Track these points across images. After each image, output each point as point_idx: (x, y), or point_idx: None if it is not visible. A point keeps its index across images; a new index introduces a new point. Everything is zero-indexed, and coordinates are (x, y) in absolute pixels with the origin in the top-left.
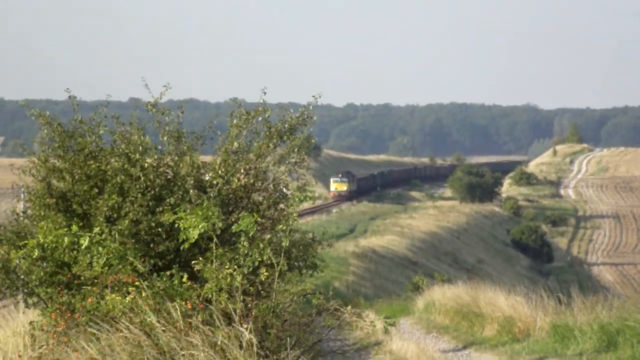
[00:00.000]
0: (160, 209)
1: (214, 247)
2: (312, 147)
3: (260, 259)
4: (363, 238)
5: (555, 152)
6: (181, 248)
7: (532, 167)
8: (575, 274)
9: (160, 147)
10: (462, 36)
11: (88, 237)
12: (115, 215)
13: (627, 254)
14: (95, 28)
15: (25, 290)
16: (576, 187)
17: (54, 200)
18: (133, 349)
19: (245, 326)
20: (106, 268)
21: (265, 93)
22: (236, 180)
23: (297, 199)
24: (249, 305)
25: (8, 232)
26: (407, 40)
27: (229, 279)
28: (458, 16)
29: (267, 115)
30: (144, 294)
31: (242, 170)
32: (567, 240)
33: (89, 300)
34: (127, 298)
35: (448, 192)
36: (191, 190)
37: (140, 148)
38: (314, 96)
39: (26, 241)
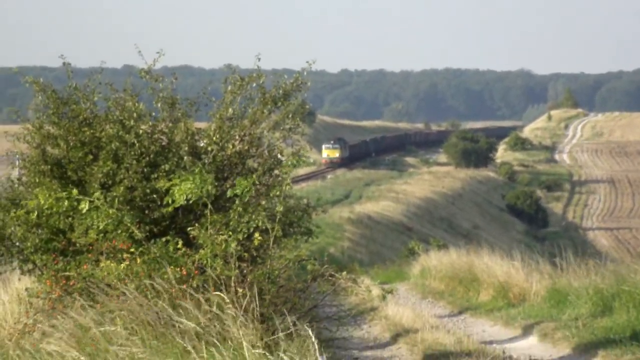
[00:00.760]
0: (155, 175)
1: (208, 214)
2: (307, 113)
3: (255, 225)
4: (358, 204)
5: (549, 117)
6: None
7: (526, 132)
8: (570, 239)
9: (154, 113)
10: (456, 1)
11: (88, 202)
12: (110, 182)
13: (622, 218)
14: None
15: (21, 257)
16: (571, 152)
17: (49, 167)
18: (128, 314)
19: (240, 291)
20: (101, 235)
21: (259, 59)
22: (231, 147)
23: (290, 164)
24: (244, 271)
25: (3, 199)
26: (401, 6)
27: (223, 245)
28: None
29: (261, 82)
30: (139, 260)
31: (236, 137)
32: (562, 205)
33: (84, 267)
34: (122, 264)
35: (443, 158)
36: (185, 157)
37: (135, 115)
38: (307, 62)
39: (26, 201)
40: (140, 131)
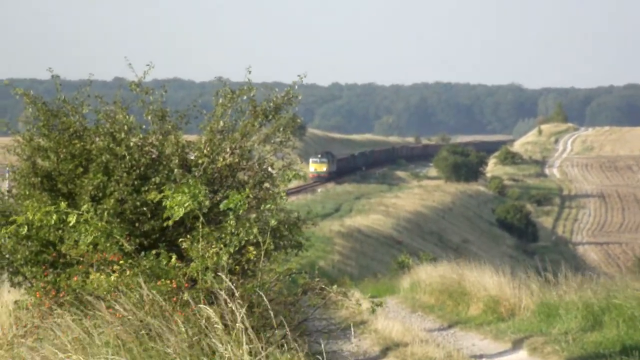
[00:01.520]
0: (146, 188)
1: (200, 226)
2: (298, 127)
3: (246, 238)
4: (348, 217)
5: (540, 132)
6: (165, 225)
7: (517, 146)
8: (560, 254)
9: (145, 126)
10: (446, 15)
11: (76, 215)
12: (100, 195)
13: (612, 233)
14: (78, 7)
15: (10, 270)
16: (561, 167)
17: (39, 179)
18: (118, 327)
19: (230, 305)
20: (91, 247)
21: (250, 72)
22: (221, 160)
23: (286, 177)
24: (235, 284)
25: None
26: (391, 20)
27: (215, 258)
28: None
29: (252, 95)
30: (129, 273)
31: (227, 150)
32: (552, 220)
33: (74, 279)
34: (112, 277)
35: (433, 172)
36: (176, 170)
37: (125, 127)
38: (299, 75)
39: (14, 217)
40: (131, 144)
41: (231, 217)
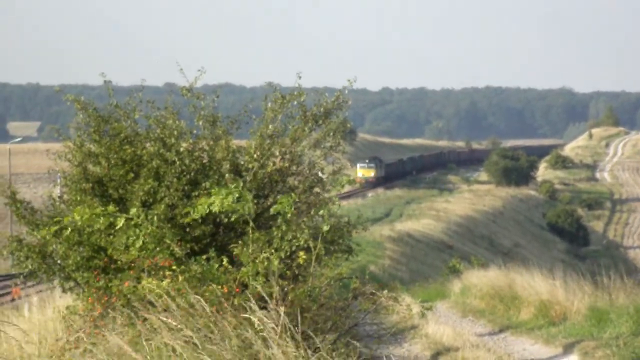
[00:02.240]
0: (196, 193)
1: (250, 231)
2: (347, 132)
3: (297, 243)
4: (399, 222)
5: (590, 136)
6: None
7: (567, 150)
8: (611, 258)
9: (195, 131)
10: (497, 19)
11: (124, 218)
12: (151, 200)
13: None
14: (130, 13)
15: (62, 275)
16: (612, 171)
17: (90, 185)
18: (170, 331)
19: (282, 309)
20: (143, 252)
21: (300, 77)
22: (271, 164)
23: (340, 183)
24: (285, 289)
25: (44, 217)
26: (442, 24)
27: (265, 263)
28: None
29: (302, 100)
30: (180, 278)
31: (277, 154)
32: (603, 224)
33: (126, 284)
34: (164, 282)
35: (484, 176)
36: (226, 175)
37: (176, 132)
38: (348, 80)
39: (59, 218)
40: (181, 149)
41: (280, 221)
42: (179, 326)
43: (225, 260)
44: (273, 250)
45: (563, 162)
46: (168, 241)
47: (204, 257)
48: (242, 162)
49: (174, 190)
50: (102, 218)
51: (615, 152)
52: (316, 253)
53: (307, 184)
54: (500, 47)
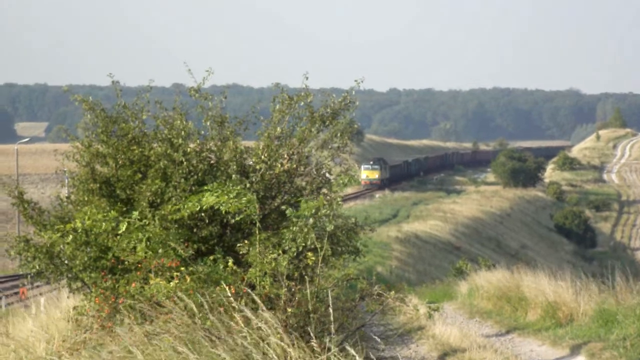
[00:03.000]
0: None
1: (257, 232)
2: (355, 132)
3: (304, 244)
4: (406, 223)
5: (598, 137)
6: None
7: (575, 152)
8: (618, 259)
9: (203, 132)
10: (505, 21)
11: (127, 222)
12: (158, 200)
13: None
14: (138, 13)
15: (69, 275)
16: (619, 172)
17: (98, 185)
18: (178, 331)
19: (289, 310)
20: (150, 253)
21: (307, 78)
22: (279, 165)
23: (341, 182)
24: (293, 290)
25: (52, 218)
26: (450, 25)
27: (273, 264)
28: (502, 1)
29: (309, 100)
30: (187, 279)
31: (285, 155)
32: (611, 225)
33: (133, 284)
34: (171, 283)
35: (491, 177)
36: (234, 175)
37: (183, 133)
38: (356, 81)
39: (61, 225)
40: (189, 149)
41: (296, 223)
42: (185, 327)
43: (231, 261)
44: (281, 251)
45: (570, 164)
46: (172, 243)
47: (211, 257)
48: (249, 163)
49: (181, 190)
50: (104, 223)
51: (623, 154)
52: (323, 254)
53: (314, 185)
54: (507, 48)
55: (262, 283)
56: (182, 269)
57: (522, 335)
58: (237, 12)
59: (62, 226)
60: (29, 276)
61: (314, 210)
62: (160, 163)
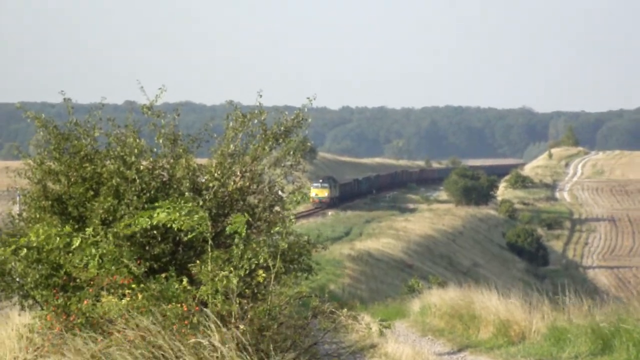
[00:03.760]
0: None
1: (209, 250)
2: (308, 150)
3: (256, 262)
4: (358, 241)
5: (550, 155)
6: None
7: (527, 170)
8: (570, 277)
9: (155, 149)
10: (457, 39)
11: (80, 238)
12: (110, 218)
13: (622, 257)
14: (90, 30)
15: (21, 293)
16: (572, 190)
17: (50, 202)
18: (129, 351)
19: (241, 328)
20: (102, 270)
21: (261, 96)
22: (232, 183)
23: (294, 200)
24: (245, 307)
25: (3, 235)
26: (402, 43)
27: (225, 282)
28: (453, 19)
29: (262, 118)
30: (140, 296)
31: (237, 173)
32: (563, 244)
33: (85, 302)
34: (123, 300)
35: (444, 195)
36: (187, 193)
37: (136, 150)
38: (308, 98)
39: (15, 239)
40: (141, 167)
41: (237, 240)
42: (136, 345)
43: (184, 279)
44: (232, 269)
45: (523, 182)
46: (125, 260)
47: (163, 275)
48: (202, 181)
49: (134, 208)
50: (58, 238)
51: (575, 172)
52: (275, 271)
53: (267, 202)
54: (460, 66)
55: (214, 301)
56: (134, 286)
57: (475, 353)
58: (189, 30)
59: (15, 239)
60: None
61: (242, 227)
62: (113, 181)
